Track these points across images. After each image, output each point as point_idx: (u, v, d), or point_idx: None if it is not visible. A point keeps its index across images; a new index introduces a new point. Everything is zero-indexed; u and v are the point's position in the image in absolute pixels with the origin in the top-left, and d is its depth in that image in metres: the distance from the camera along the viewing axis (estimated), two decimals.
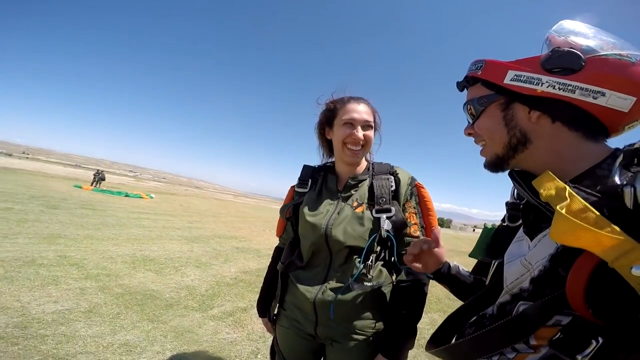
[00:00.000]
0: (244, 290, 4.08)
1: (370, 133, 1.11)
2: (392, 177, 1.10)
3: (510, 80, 0.56)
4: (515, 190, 0.71)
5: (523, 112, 0.56)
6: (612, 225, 0.39)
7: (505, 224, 0.75)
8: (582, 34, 0.54)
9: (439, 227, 0.90)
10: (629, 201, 0.41)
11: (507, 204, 0.75)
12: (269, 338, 2.72)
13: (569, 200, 0.43)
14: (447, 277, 0.83)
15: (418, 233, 1.06)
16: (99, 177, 21.41)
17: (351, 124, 1.08)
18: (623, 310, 0.40)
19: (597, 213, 0.41)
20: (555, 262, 0.49)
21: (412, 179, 1.12)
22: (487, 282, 0.76)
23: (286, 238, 1.27)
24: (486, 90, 0.60)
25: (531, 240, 0.57)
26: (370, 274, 1.02)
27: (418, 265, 0.80)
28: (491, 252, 0.77)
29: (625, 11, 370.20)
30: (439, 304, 4.77)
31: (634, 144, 0.49)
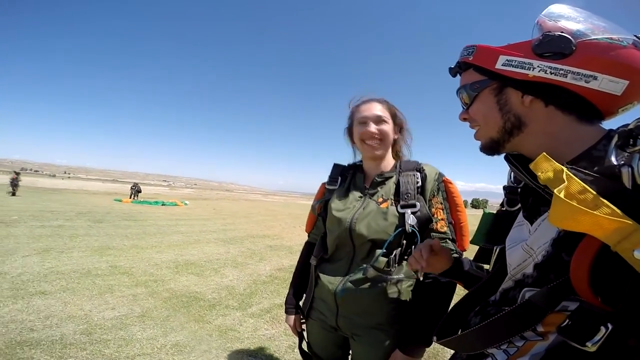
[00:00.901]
0: (279, 287, 4.24)
1: (386, 127, 1.14)
2: (418, 173, 1.11)
3: (502, 65, 0.56)
4: (512, 173, 0.69)
5: (516, 96, 0.56)
6: (613, 207, 0.38)
7: (505, 208, 0.74)
8: (572, 18, 0.53)
9: (437, 240, 0.84)
10: (627, 181, 0.41)
11: (504, 187, 0.74)
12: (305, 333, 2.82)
13: (567, 182, 0.42)
14: (461, 274, 0.82)
15: (445, 229, 1.06)
16: (135, 190, 22.83)
17: (364, 122, 1.15)
18: (630, 295, 0.40)
19: (597, 194, 0.40)
20: (558, 246, 0.48)
21: (439, 175, 1.12)
22: (490, 269, 0.74)
23: (316, 233, 1.33)
24: (478, 75, 0.61)
25: (531, 224, 0.57)
26: (393, 267, 1.05)
27: (424, 267, 0.79)
28: (492, 238, 0.75)
29: None
30: None
31: (628, 124, 0.49)
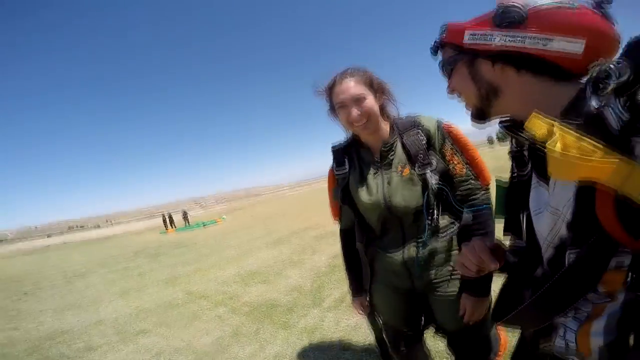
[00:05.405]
0: (341, 274, 4.19)
1: (367, 104, 1.12)
2: (420, 130, 1.13)
3: (468, 39, 0.61)
4: (512, 138, 0.70)
5: (487, 66, 0.61)
6: (605, 149, 0.40)
7: (515, 173, 0.73)
8: None
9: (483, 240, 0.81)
10: (614, 123, 0.42)
11: (509, 152, 0.75)
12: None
13: (558, 134, 0.44)
14: (506, 268, 0.76)
15: (465, 170, 1.12)
16: (183, 216, 24.59)
17: (344, 105, 1.13)
18: None
19: (589, 140, 0.41)
20: (581, 200, 0.48)
21: (438, 123, 1.15)
22: (524, 239, 0.72)
23: (348, 219, 1.35)
24: (452, 51, 0.66)
25: (547, 184, 0.58)
26: (440, 225, 1.15)
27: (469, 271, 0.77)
28: (513, 208, 0.75)
29: None
30: None
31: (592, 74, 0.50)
